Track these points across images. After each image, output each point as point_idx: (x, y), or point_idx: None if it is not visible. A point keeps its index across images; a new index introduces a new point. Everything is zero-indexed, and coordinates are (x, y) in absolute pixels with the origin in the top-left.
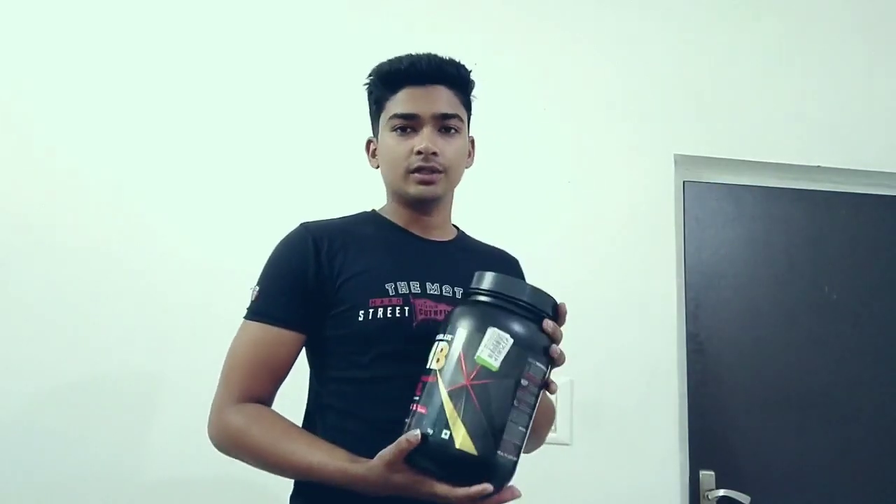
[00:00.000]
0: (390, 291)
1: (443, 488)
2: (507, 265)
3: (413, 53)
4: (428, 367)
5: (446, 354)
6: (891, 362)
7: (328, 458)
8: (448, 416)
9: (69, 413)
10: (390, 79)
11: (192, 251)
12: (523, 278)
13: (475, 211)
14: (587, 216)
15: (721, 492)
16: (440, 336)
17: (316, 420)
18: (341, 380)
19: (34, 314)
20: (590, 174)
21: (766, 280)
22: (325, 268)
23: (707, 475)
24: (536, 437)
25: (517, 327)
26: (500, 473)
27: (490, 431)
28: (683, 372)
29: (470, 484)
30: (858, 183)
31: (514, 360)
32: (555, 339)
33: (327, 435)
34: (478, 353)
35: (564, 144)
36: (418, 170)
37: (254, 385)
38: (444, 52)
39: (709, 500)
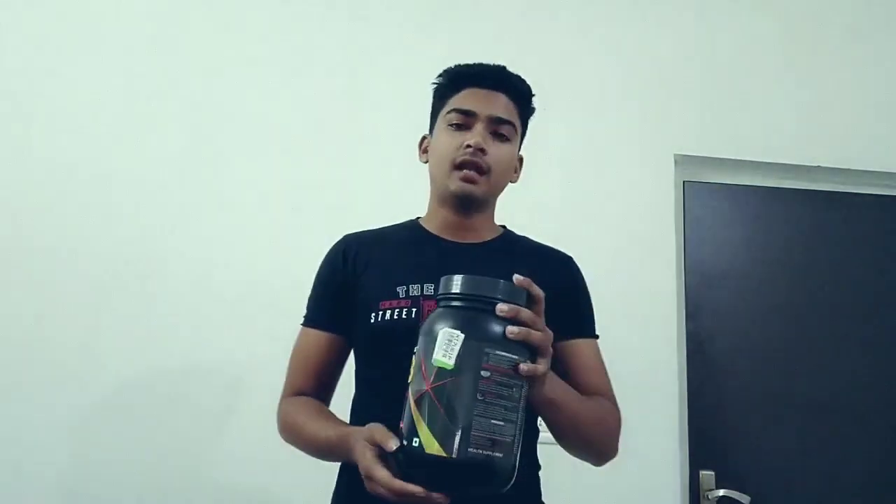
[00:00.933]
0: (400, 294)
1: (380, 473)
2: (553, 264)
3: (484, 62)
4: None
5: (413, 366)
6: (891, 362)
7: (331, 433)
8: (415, 423)
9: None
10: (457, 78)
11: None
12: (577, 277)
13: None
14: (587, 216)
15: (721, 492)
16: (414, 349)
17: (349, 418)
18: (362, 379)
19: (46, 315)
20: (590, 174)
21: (766, 280)
22: (349, 274)
23: (707, 475)
24: (586, 447)
25: (467, 321)
26: (484, 471)
27: (454, 430)
28: (683, 372)
29: (460, 488)
30: (858, 183)
31: (469, 353)
32: (518, 321)
33: None
34: (433, 356)
35: (564, 144)
36: (463, 165)
37: (303, 382)
38: (444, 52)
39: (709, 500)
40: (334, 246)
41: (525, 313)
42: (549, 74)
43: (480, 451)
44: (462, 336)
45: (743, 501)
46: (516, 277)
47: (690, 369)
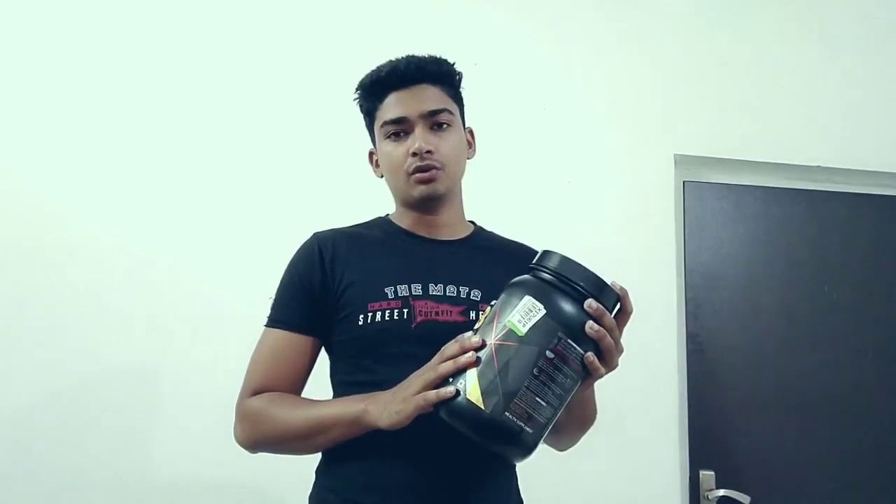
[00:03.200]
0: (389, 295)
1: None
2: (525, 260)
3: (392, 59)
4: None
5: (486, 316)
6: (891, 362)
7: (348, 401)
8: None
9: (67, 413)
10: (374, 88)
11: (196, 252)
12: None
13: (475, 211)
14: (587, 216)
15: (721, 492)
16: (491, 302)
17: None
18: (349, 383)
19: (30, 313)
20: (590, 174)
21: (766, 280)
22: (328, 274)
23: (707, 475)
24: (571, 439)
25: (554, 301)
26: (510, 437)
27: (501, 391)
28: (683, 372)
29: (483, 443)
30: (858, 183)
31: (543, 330)
32: (600, 322)
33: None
34: (509, 317)
35: (564, 144)
36: (417, 171)
37: (270, 385)
38: (445, 52)
39: (709, 500)
40: (306, 244)
41: (609, 319)
42: (549, 75)
43: (514, 420)
44: (543, 311)
45: (743, 501)
46: (615, 283)
47: (690, 369)
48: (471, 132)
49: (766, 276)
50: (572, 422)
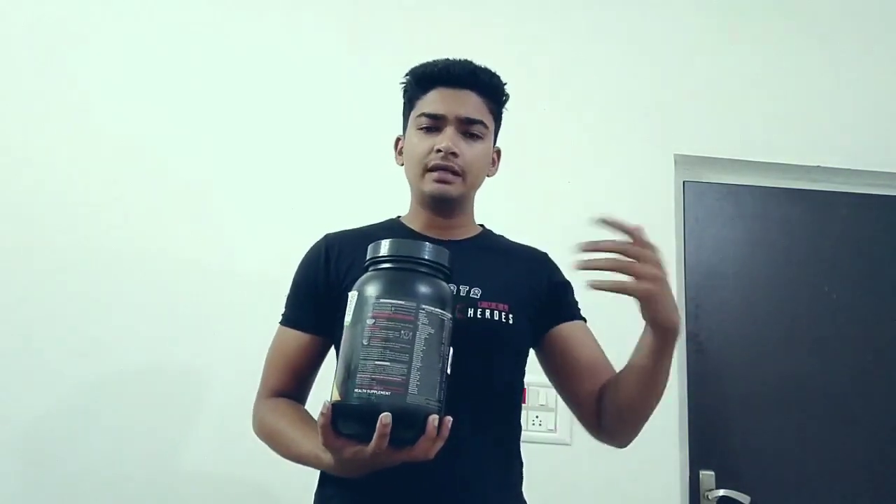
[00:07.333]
0: None
1: (372, 448)
2: (530, 261)
3: (450, 58)
4: None
5: None
6: (891, 362)
7: (311, 447)
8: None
9: (73, 412)
10: (423, 79)
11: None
12: (555, 272)
13: (475, 211)
14: (587, 216)
15: (721, 492)
16: None
17: None
18: None
19: (35, 313)
20: (590, 174)
21: (766, 280)
22: (332, 274)
23: (707, 475)
24: (642, 418)
25: (362, 282)
26: (370, 410)
27: (346, 374)
28: (683, 372)
29: (360, 431)
30: (858, 183)
31: (361, 308)
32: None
33: None
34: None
35: (564, 144)
36: (435, 168)
37: (280, 382)
38: (444, 51)
39: (709, 500)
40: (315, 245)
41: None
42: (550, 75)
43: (364, 391)
44: (356, 294)
45: (743, 501)
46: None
47: (690, 369)
48: (498, 152)
49: (766, 276)
50: (644, 401)
